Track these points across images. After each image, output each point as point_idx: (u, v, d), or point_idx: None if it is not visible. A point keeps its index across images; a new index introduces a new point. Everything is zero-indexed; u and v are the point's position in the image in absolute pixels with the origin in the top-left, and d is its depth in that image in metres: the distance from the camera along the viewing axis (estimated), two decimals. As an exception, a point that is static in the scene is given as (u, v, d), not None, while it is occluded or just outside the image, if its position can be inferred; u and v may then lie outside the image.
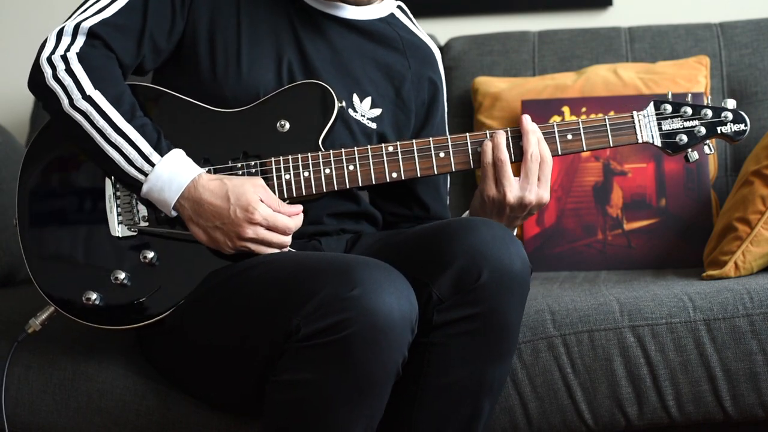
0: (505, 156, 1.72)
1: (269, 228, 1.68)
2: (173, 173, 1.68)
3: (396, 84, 1.90)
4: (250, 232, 1.66)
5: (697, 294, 1.85)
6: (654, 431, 1.86)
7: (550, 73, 2.52)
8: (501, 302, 1.61)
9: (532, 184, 1.72)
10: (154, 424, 1.82)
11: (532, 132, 1.73)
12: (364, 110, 1.85)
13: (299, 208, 1.71)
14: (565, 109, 2.36)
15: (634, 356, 1.80)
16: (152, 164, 1.68)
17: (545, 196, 1.73)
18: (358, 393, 1.54)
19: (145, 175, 1.68)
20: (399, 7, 1.97)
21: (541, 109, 2.36)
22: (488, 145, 1.73)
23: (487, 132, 1.75)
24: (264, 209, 1.67)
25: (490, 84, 2.47)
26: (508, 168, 1.72)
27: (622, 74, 2.41)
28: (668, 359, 1.80)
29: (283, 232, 1.69)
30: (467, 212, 1.86)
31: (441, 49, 2.61)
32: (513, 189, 1.72)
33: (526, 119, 1.74)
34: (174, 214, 1.70)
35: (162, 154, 1.68)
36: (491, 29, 2.65)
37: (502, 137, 1.73)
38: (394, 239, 1.77)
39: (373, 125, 1.85)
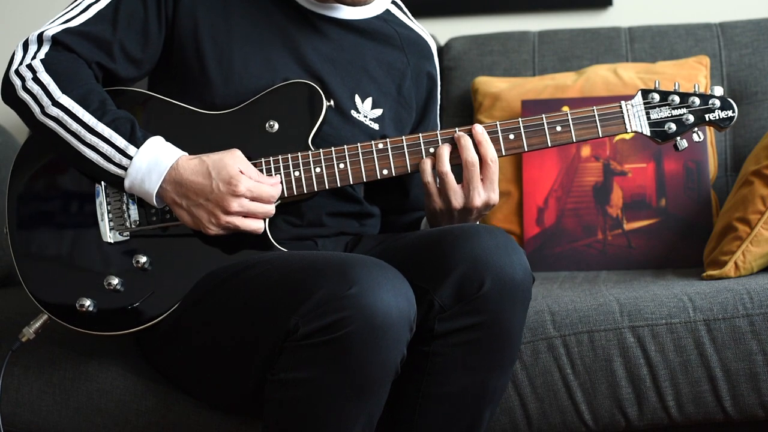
0: (446, 168, 1.72)
1: (254, 199, 1.67)
2: (151, 162, 1.67)
3: (397, 81, 1.90)
4: (235, 204, 1.66)
5: (697, 294, 1.85)
6: (654, 431, 1.86)
7: (550, 73, 2.52)
8: (503, 312, 1.60)
9: (474, 190, 1.72)
10: (154, 424, 1.82)
11: (463, 137, 1.73)
12: (366, 111, 1.85)
13: (277, 179, 1.71)
14: (565, 109, 2.36)
15: (634, 357, 1.80)
16: (129, 157, 1.67)
17: (492, 197, 1.73)
18: (356, 391, 1.54)
19: (125, 169, 1.67)
20: (393, 2, 1.96)
21: (541, 109, 2.36)
22: (427, 163, 1.73)
23: (456, 130, 1.75)
24: (246, 180, 1.66)
25: (490, 84, 2.47)
26: (450, 179, 1.72)
27: (622, 74, 2.41)
28: (668, 360, 1.80)
29: (268, 201, 1.69)
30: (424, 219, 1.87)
31: (441, 49, 2.61)
32: (457, 197, 1.73)
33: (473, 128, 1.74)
34: (156, 202, 1.69)
35: (138, 145, 1.67)
36: (491, 29, 2.65)
37: (444, 150, 1.73)
38: (394, 244, 1.77)
39: (376, 126, 1.85)
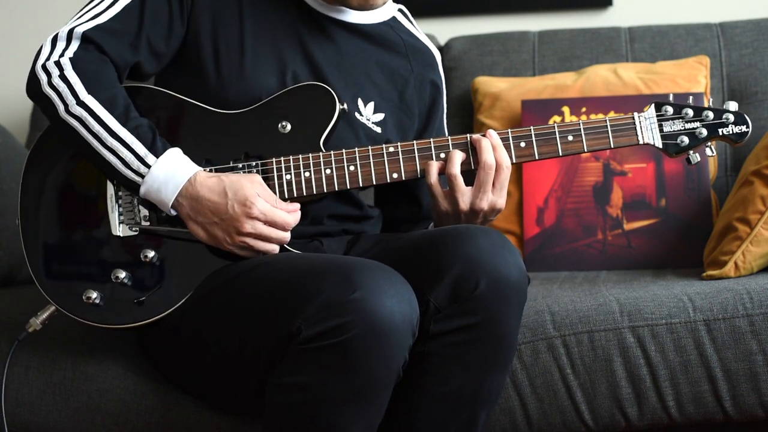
0: (456, 171, 1.73)
1: (267, 223, 1.67)
2: (169, 173, 1.68)
3: (399, 87, 1.90)
4: (248, 226, 1.66)
5: (697, 294, 1.85)
6: (654, 431, 1.86)
7: (550, 73, 2.52)
8: (498, 312, 1.60)
9: (485, 192, 1.73)
10: (154, 424, 1.82)
11: (483, 140, 1.73)
12: (368, 115, 1.85)
13: (297, 205, 1.71)
14: (565, 109, 2.36)
15: (634, 357, 1.80)
16: (148, 166, 1.68)
17: (499, 201, 1.74)
18: (358, 396, 1.54)
19: (142, 176, 1.68)
20: (400, 10, 1.97)
21: (541, 109, 2.36)
22: (433, 165, 1.74)
23: (469, 135, 1.75)
24: (262, 204, 1.66)
25: (490, 84, 2.47)
26: (459, 181, 1.73)
27: (622, 74, 2.41)
28: (668, 360, 1.80)
29: (282, 228, 1.69)
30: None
31: (441, 49, 2.61)
32: (465, 199, 1.73)
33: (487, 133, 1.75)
34: (173, 213, 1.71)
35: (157, 155, 1.68)
36: (491, 29, 2.65)
37: (457, 154, 1.73)
38: (392, 244, 1.77)
39: (378, 129, 1.86)
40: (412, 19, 1.99)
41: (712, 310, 1.81)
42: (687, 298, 1.84)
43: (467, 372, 1.63)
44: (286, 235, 1.70)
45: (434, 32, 2.67)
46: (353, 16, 1.87)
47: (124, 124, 1.69)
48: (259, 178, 1.70)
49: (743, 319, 1.80)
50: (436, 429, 1.65)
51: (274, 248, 1.70)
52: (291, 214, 1.70)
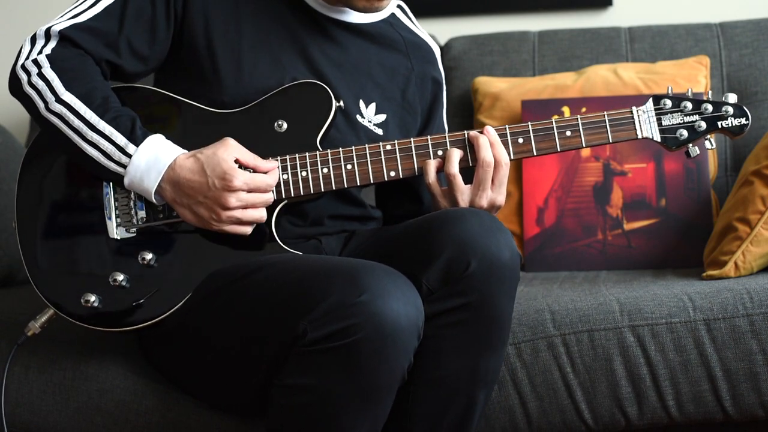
0: (455, 170, 1.72)
1: (251, 190, 1.68)
2: (150, 160, 1.68)
3: (401, 86, 1.90)
4: (233, 199, 1.66)
5: (697, 294, 1.85)
6: (654, 431, 1.86)
7: (550, 73, 2.52)
8: (490, 292, 1.61)
9: (484, 190, 1.73)
10: (154, 424, 1.82)
11: (481, 137, 1.73)
12: (370, 116, 1.85)
13: (274, 163, 1.71)
14: (565, 109, 2.36)
15: (634, 356, 1.80)
16: (129, 155, 1.68)
17: (499, 198, 1.74)
18: (363, 398, 1.54)
19: (124, 167, 1.68)
20: (399, 6, 1.97)
21: (541, 109, 2.36)
22: (431, 164, 1.73)
23: (466, 132, 1.75)
24: (241, 174, 1.66)
25: (490, 84, 2.47)
26: (458, 180, 1.73)
27: (622, 74, 2.41)
28: (668, 359, 1.80)
29: (264, 191, 1.69)
30: None
31: (441, 49, 2.61)
32: (464, 197, 1.73)
33: (485, 129, 1.74)
34: (160, 200, 1.70)
35: (137, 143, 1.68)
36: (491, 29, 2.65)
37: (455, 153, 1.73)
38: (385, 234, 1.78)
39: (380, 131, 1.85)
40: (410, 15, 1.98)
41: (712, 309, 1.81)
42: (687, 298, 1.84)
43: (463, 353, 1.63)
44: (270, 196, 1.70)
45: (434, 32, 2.67)
46: (354, 16, 1.87)
47: (102, 116, 1.69)
48: (231, 141, 1.69)
49: (743, 318, 1.80)
50: (435, 413, 1.65)
51: (263, 214, 1.69)
52: (270, 174, 1.70)
